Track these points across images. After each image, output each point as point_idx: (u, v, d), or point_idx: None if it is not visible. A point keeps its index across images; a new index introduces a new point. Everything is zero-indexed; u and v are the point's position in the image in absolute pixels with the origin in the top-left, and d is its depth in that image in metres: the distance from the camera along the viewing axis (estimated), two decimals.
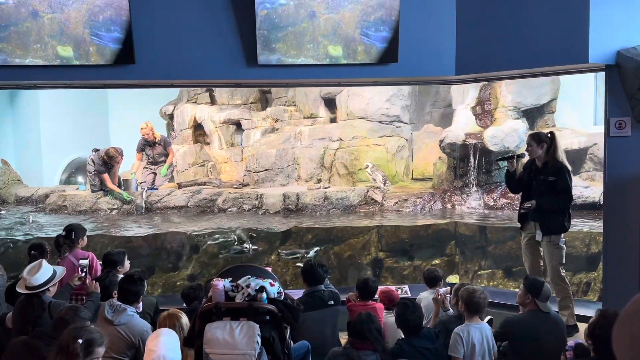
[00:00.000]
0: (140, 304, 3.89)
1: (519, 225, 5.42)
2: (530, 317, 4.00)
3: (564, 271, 5.10)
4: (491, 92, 8.41)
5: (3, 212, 8.36)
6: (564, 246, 5.07)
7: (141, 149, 8.77)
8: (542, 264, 5.25)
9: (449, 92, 9.17)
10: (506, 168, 8.01)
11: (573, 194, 5.15)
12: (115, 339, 3.53)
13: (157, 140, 8.65)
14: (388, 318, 4.33)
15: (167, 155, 8.80)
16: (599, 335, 3.05)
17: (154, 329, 3.65)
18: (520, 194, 5.40)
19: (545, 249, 5.12)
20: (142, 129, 8.56)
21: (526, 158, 5.36)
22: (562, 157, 5.07)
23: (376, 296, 4.64)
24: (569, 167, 5.08)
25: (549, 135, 5.09)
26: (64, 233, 4.82)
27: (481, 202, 7.93)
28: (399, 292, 5.56)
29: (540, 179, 5.04)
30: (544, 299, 3.99)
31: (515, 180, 5.35)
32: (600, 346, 3.05)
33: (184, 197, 8.20)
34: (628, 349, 1.17)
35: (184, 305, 4.71)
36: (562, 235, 5.06)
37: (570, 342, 3.53)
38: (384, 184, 8.27)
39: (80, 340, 2.66)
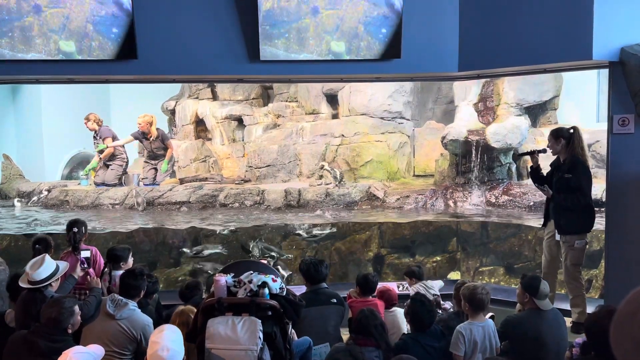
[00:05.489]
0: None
1: (540, 224, 5.37)
2: (530, 316, 3.98)
3: (579, 271, 5.02)
4: (493, 89, 8.39)
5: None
6: (583, 247, 4.96)
7: (136, 137, 8.76)
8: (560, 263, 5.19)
9: (451, 88, 9.15)
10: (508, 164, 8.08)
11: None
12: (117, 333, 3.54)
13: (152, 138, 8.63)
14: (388, 315, 4.32)
15: (166, 149, 8.78)
16: (594, 332, 3.02)
17: (156, 324, 3.65)
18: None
19: (562, 248, 5.06)
20: (139, 118, 8.58)
21: (548, 153, 5.25)
22: (583, 153, 4.96)
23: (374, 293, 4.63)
24: (587, 164, 4.95)
25: (571, 130, 5.00)
26: (76, 229, 4.81)
27: (483, 199, 7.91)
28: (400, 288, 5.56)
29: (558, 176, 5.00)
30: (542, 296, 3.97)
31: (540, 176, 5.24)
32: (597, 343, 3.00)
33: (185, 193, 8.20)
34: (631, 353, 1.11)
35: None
36: (586, 236, 4.96)
37: (578, 339, 3.49)
38: (340, 180, 8.29)
39: None
